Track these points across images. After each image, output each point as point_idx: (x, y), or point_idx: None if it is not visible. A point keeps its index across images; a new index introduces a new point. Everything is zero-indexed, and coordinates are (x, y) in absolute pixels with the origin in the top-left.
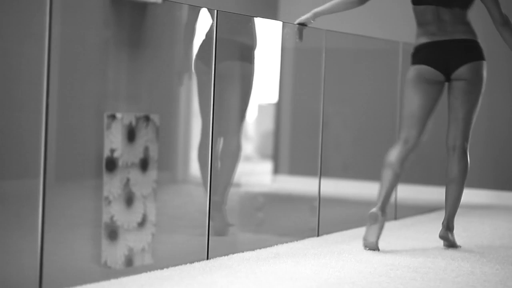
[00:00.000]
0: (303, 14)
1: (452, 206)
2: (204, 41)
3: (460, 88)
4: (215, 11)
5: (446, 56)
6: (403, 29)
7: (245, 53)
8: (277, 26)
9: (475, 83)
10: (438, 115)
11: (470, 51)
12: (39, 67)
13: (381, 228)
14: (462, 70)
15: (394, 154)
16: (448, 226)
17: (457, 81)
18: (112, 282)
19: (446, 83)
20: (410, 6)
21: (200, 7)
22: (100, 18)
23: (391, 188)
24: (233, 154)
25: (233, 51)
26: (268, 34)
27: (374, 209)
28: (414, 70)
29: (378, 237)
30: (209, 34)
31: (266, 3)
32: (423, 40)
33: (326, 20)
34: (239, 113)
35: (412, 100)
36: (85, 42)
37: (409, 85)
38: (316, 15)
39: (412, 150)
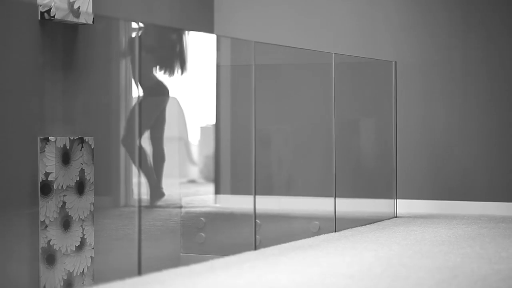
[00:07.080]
0: (239, 28)
1: None
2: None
3: None
4: (138, 23)
5: None
6: (335, 40)
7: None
8: (212, 40)
9: None
10: (378, 124)
11: None
12: None
13: None
14: None
15: None
16: None
17: None
18: None
19: None
20: (341, 16)
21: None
22: (32, 41)
23: None
24: (161, 158)
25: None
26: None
27: None
28: None
29: None
30: None
31: (201, 17)
32: None
33: (257, 33)
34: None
35: None
36: (17, 65)
37: None
38: None
39: None
